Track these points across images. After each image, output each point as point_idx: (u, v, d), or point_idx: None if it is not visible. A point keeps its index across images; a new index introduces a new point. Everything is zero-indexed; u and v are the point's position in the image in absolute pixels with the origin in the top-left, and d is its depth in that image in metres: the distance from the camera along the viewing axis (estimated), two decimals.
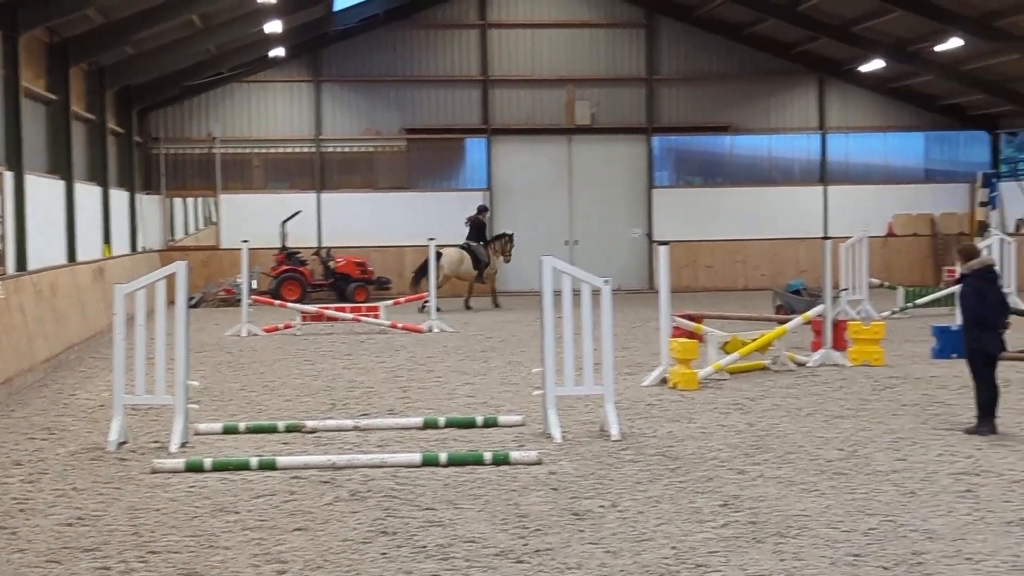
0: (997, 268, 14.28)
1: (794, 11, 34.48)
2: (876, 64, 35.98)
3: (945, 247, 37.12)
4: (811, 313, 19.43)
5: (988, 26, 30.63)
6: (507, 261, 32.86)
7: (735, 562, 8.24)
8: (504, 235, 32.80)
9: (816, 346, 19.41)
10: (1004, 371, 15.05)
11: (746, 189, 38.86)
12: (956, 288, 14.48)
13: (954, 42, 31.87)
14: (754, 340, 18.12)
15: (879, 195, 39.00)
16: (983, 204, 37.44)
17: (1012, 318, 14.73)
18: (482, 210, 33.27)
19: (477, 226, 32.46)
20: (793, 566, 8.13)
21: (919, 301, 26.98)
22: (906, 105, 39.25)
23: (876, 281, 29.64)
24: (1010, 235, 30.69)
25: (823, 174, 39.25)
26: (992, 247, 24.01)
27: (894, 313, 26.49)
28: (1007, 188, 38.70)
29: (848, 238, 27.60)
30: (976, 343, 12.96)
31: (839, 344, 19.09)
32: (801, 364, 18.56)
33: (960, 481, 10.55)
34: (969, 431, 12.86)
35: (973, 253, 13.34)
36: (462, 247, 31.88)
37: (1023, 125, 38.98)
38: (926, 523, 9.14)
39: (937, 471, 10.98)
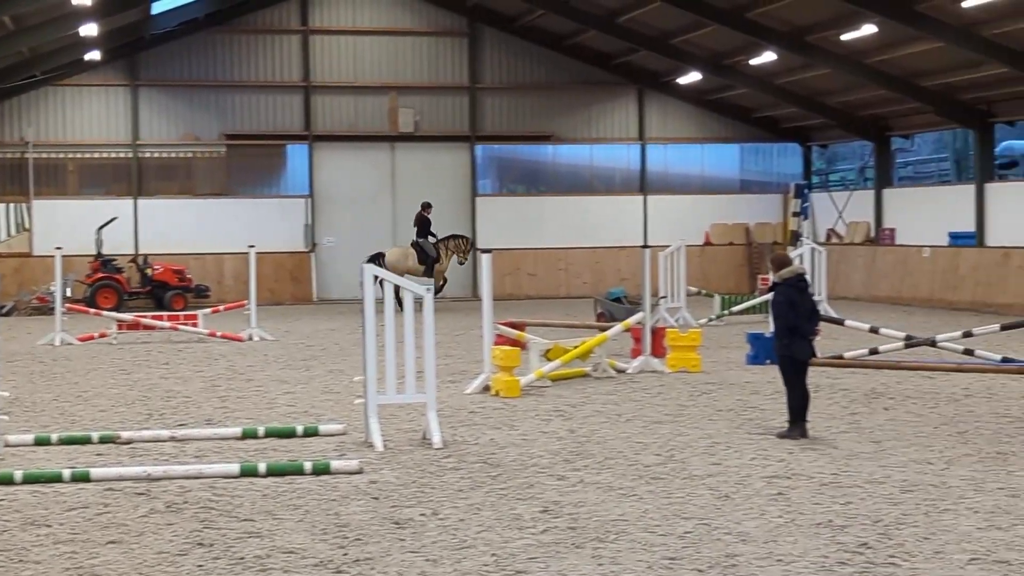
0: (808, 277, 14.67)
1: (614, 23, 35.00)
2: (693, 76, 36.74)
3: (759, 256, 38.05)
4: (631, 320, 19.72)
5: (800, 41, 31.52)
6: (462, 263, 33.27)
7: (554, 568, 8.32)
8: (460, 236, 33.24)
9: (636, 353, 19.70)
10: (815, 377, 15.49)
11: (568, 198, 39.29)
12: (769, 296, 14.83)
13: (767, 56, 32.75)
14: (575, 347, 18.31)
15: (696, 205, 39.79)
16: (795, 214, 38.42)
17: (822, 325, 15.18)
18: (426, 207, 33.19)
19: (422, 223, 32.65)
20: (611, 570, 8.24)
21: (734, 308, 27.60)
22: (722, 117, 40.15)
23: (694, 289, 30.23)
24: (821, 244, 31.59)
25: (643, 184, 39.91)
26: (804, 256, 24.66)
27: (711, 320, 27.04)
28: (818, 199, 39.86)
29: (667, 247, 28.09)
30: (787, 350, 13.30)
31: (658, 351, 19.41)
32: (621, 371, 18.82)
33: (772, 484, 10.81)
34: (781, 435, 13.19)
35: (785, 262, 13.68)
36: (412, 244, 32.39)
37: (833, 138, 40.23)
38: (739, 526, 9.35)
39: (751, 475, 11.23)
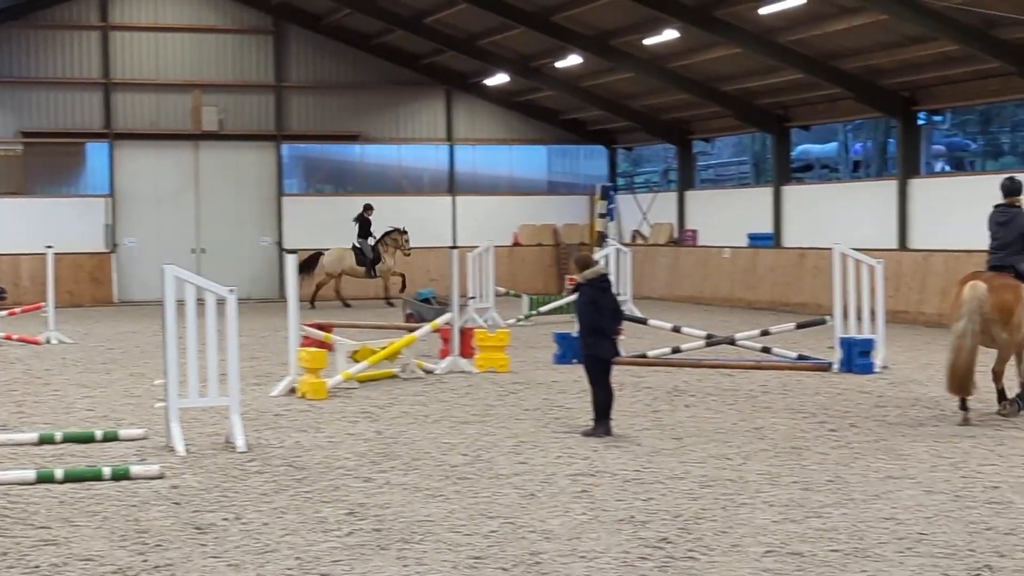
0: (611, 277, 14.90)
1: (421, 24, 35.03)
2: (501, 78, 37.00)
3: (567, 256, 38.50)
4: (439, 321, 19.75)
5: (604, 45, 32.01)
6: (407, 255, 33.93)
7: (359, 570, 8.28)
8: (394, 230, 33.70)
9: (444, 353, 19.73)
10: (619, 375, 15.74)
11: (376, 198, 39.11)
12: (575, 296, 15.01)
13: (573, 59, 33.17)
14: (383, 348, 18.26)
15: (505, 206, 40.08)
16: (601, 215, 39.06)
17: (626, 324, 15.44)
18: (367, 208, 33.80)
19: (363, 224, 33.28)
20: (416, 571, 8.24)
21: (542, 309, 27.87)
22: (530, 119, 40.53)
23: (502, 289, 30.45)
24: (626, 245, 32.11)
25: (451, 184, 40.04)
26: (609, 257, 25.04)
27: (519, 321, 27.27)
28: (623, 200, 40.54)
29: (475, 247, 28.24)
30: (591, 349, 13.49)
31: (466, 351, 19.47)
32: (429, 371, 18.84)
33: (577, 482, 10.94)
34: (586, 433, 13.36)
35: (588, 263, 13.86)
36: (351, 246, 32.91)
37: (638, 140, 40.96)
38: (544, 524, 9.44)
39: (556, 473, 11.35)
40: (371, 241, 33.27)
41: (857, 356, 18.25)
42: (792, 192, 33.67)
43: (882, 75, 28.76)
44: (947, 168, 41.03)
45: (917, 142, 29.95)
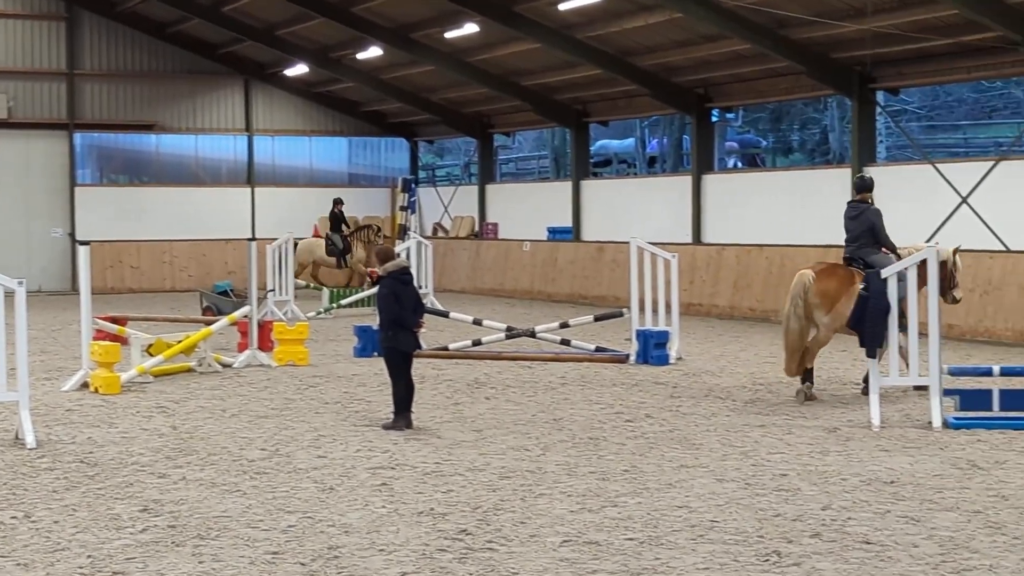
0: (412, 270, 14.91)
1: (219, 12, 34.47)
2: (300, 69, 36.66)
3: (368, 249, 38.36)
4: (237, 314, 19.49)
5: (405, 37, 31.98)
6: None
7: (152, 567, 8.12)
8: (369, 226, 33.71)
9: (242, 347, 19.49)
10: (420, 368, 15.78)
11: (173, 189, 38.46)
12: (375, 290, 14.99)
13: (374, 51, 33.06)
14: (179, 342, 17.92)
15: (305, 198, 39.70)
16: (403, 208, 38.92)
17: (428, 317, 15.46)
18: (337, 202, 33.91)
19: (333, 218, 33.45)
20: (212, 567, 8.12)
21: (343, 302, 27.71)
22: (330, 110, 40.25)
23: (302, 282, 30.20)
24: (427, 238, 32.17)
25: (250, 176, 39.52)
26: (410, 249, 25.06)
27: (319, 314, 27.07)
28: (425, 193, 40.57)
29: (274, 239, 27.92)
30: (392, 342, 13.48)
31: (265, 345, 19.27)
32: (227, 365, 18.56)
33: (377, 475, 10.92)
34: (386, 426, 13.34)
35: (389, 255, 13.84)
36: (324, 237, 33.16)
37: (439, 134, 41.05)
38: (343, 517, 9.40)
39: (355, 466, 11.31)
40: (345, 231, 33.34)
41: (653, 348, 18.63)
42: (591, 187, 34.16)
43: (677, 72, 29.38)
44: (740, 164, 42.18)
45: (711, 139, 30.69)
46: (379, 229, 34.29)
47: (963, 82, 35.96)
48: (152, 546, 8.63)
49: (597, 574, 7.93)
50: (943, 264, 14.88)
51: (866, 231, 15.37)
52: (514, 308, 29.82)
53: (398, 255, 14.44)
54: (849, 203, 15.88)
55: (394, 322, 13.45)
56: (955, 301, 15.68)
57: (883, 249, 15.39)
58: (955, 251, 15.64)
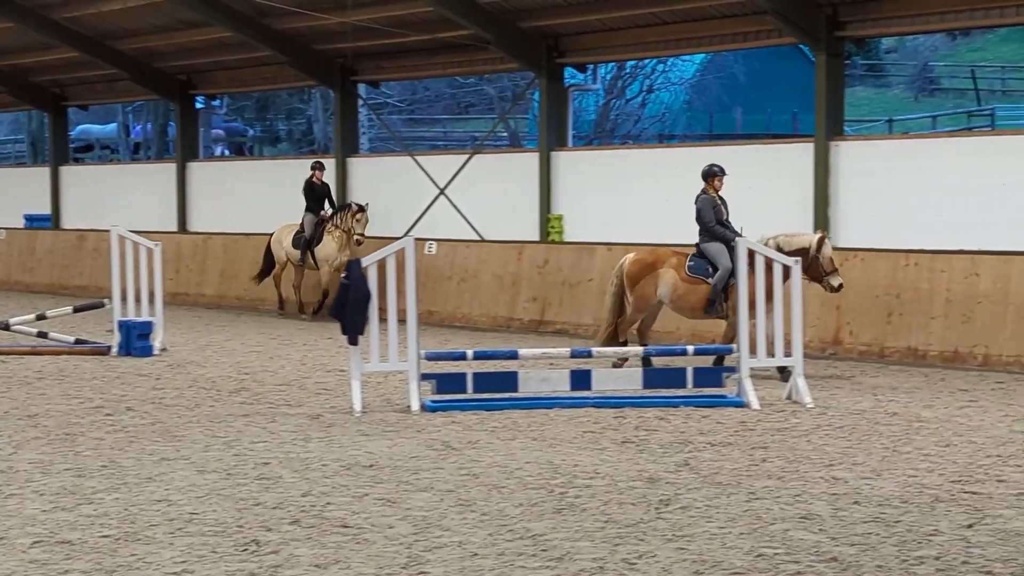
0: None
1: None
2: None
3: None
4: None
5: None
6: (359, 243, 22.74)
7: None
8: (352, 205, 23.56)
9: None
10: None
11: None
12: None
13: None
14: None
15: None
16: None
17: None
18: (316, 167, 24.04)
19: (310, 190, 23.80)
20: None
21: None
22: None
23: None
24: None
25: None
26: None
27: None
28: None
29: None
30: None
31: None
32: None
33: None
34: None
35: None
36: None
37: None
38: None
39: None
40: (325, 213, 23.94)
41: (136, 339, 18.24)
42: (71, 172, 33.00)
43: (159, 58, 28.87)
44: (227, 152, 42.02)
45: (195, 126, 30.40)
46: (363, 209, 23.12)
47: (439, 77, 37.51)
48: None
49: (69, 574, 7.68)
50: (805, 251, 15.54)
51: (697, 219, 16.22)
52: None
53: None
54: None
55: None
56: (834, 289, 15.91)
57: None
58: (820, 240, 15.87)
